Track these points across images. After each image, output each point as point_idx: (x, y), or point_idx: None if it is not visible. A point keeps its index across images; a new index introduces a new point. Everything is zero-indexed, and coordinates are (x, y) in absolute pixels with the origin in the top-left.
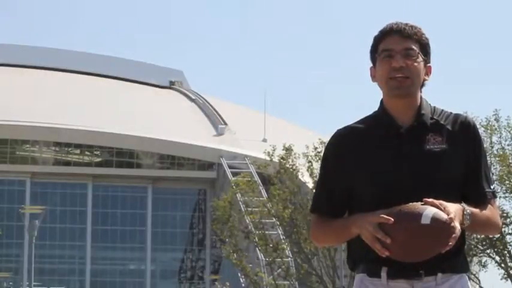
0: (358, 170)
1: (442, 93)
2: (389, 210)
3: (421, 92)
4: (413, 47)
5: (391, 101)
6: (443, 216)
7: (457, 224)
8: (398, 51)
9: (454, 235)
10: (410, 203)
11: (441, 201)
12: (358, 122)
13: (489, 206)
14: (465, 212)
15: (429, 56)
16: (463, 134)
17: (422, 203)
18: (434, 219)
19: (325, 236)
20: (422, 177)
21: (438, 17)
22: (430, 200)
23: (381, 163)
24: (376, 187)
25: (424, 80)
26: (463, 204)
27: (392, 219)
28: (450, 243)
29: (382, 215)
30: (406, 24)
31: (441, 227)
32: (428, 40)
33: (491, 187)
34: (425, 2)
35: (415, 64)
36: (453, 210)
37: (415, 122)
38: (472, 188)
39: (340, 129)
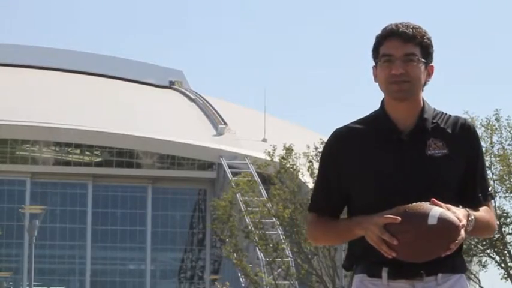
0: (357, 171)
1: (442, 93)
2: (394, 211)
3: (422, 91)
4: (414, 51)
5: (392, 103)
6: (451, 216)
7: (463, 232)
8: (398, 57)
9: (459, 238)
10: (415, 203)
11: (449, 205)
12: (358, 122)
13: (486, 208)
14: (470, 218)
15: (431, 56)
16: (463, 138)
17: (429, 202)
18: (441, 220)
19: (325, 236)
20: (423, 181)
21: (438, 16)
22: (438, 201)
23: (381, 166)
24: (375, 189)
25: (426, 81)
26: (468, 210)
27: (400, 219)
28: (452, 247)
29: (389, 215)
30: (407, 26)
31: (448, 227)
32: (430, 40)
33: (489, 189)
34: (425, 1)
35: (416, 69)
36: (462, 216)
37: (417, 126)
38: (470, 192)
39: (338, 128)
